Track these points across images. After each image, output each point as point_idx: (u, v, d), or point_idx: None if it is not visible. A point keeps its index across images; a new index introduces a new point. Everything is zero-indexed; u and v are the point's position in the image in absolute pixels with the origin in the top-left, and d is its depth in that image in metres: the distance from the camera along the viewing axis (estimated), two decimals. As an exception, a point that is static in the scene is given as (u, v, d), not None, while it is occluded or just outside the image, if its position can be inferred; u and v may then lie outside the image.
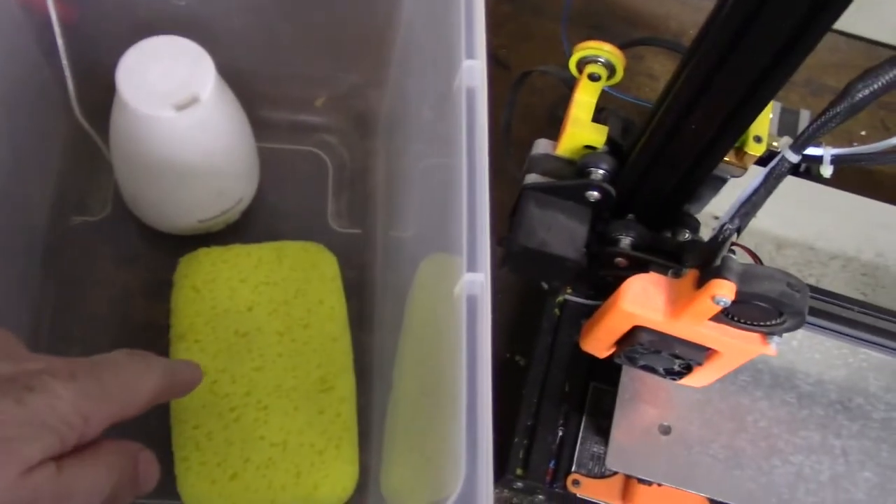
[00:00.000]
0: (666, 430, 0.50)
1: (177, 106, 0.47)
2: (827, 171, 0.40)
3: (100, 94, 0.51)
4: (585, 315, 0.56)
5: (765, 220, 0.56)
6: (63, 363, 0.30)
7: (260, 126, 0.57)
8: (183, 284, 0.53)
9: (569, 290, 0.57)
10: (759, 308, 0.39)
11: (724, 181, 0.47)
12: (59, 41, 0.49)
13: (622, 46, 0.47)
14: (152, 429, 0.50)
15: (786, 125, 0.55)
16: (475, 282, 0.32)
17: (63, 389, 0.29)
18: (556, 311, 0.57)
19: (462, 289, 0.32)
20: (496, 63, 0.70)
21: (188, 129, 0.49)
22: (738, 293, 0.38)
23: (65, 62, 0.50)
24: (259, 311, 0.52)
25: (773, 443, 0.51)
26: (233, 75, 0.52)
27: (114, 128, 0.51)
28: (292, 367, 0.51)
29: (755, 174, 0.41)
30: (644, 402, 0.51)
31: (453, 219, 0.35)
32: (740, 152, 0.45)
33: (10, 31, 0.50)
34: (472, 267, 0.32)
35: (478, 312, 0.32)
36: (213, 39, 0.50)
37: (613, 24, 0.72)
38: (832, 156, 0.40)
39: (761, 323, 0.40)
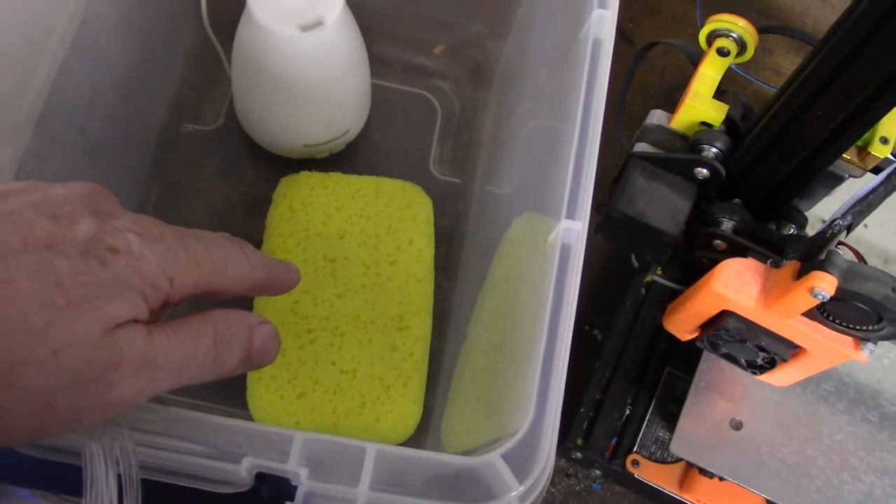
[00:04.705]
0: (737, 426, 0.49)
1: (302, 26, 0.48)
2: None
3: (229, 7, 0.53)
4: (672, 299, 0.55)
5: (874, 231, 0.54)
6: (152, 224, 0.29)
7: (376, 62, 0.58)
8: (280, 203, 0.54)
9: (659, 272, 0.56)
10: (858, 309, 0.37)
11: (840, 180, 0.45)
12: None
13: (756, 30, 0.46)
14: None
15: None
16: (572, 230, 0.32)
17: (148, 251, 0.28)
18: (643, 290, 0.56)
19: (558, 235, 0.32)
20: (621, 37, 0.69)
21: (309, 51, 0.49)
22: (838, 289, 0.36)
23: (201, -28, 0.52)
24: (349, 241, 0.53)
25: (847, 458, 0.49)
26: (358, 7, 0.52)
27: (238, 42, 0.52)
28: (373, 300, 0.52)
29: (871, 179, 0.39)
30: (718, 394, 0.50)
31: (557, 174, 0.35)
32: (863, 152, 0.43)
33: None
34: (571, 214, 0.32)
35: (570, 261, 0.31)
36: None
37: (747, 12, 0.70)
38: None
39: (857, 326, 0.39)
